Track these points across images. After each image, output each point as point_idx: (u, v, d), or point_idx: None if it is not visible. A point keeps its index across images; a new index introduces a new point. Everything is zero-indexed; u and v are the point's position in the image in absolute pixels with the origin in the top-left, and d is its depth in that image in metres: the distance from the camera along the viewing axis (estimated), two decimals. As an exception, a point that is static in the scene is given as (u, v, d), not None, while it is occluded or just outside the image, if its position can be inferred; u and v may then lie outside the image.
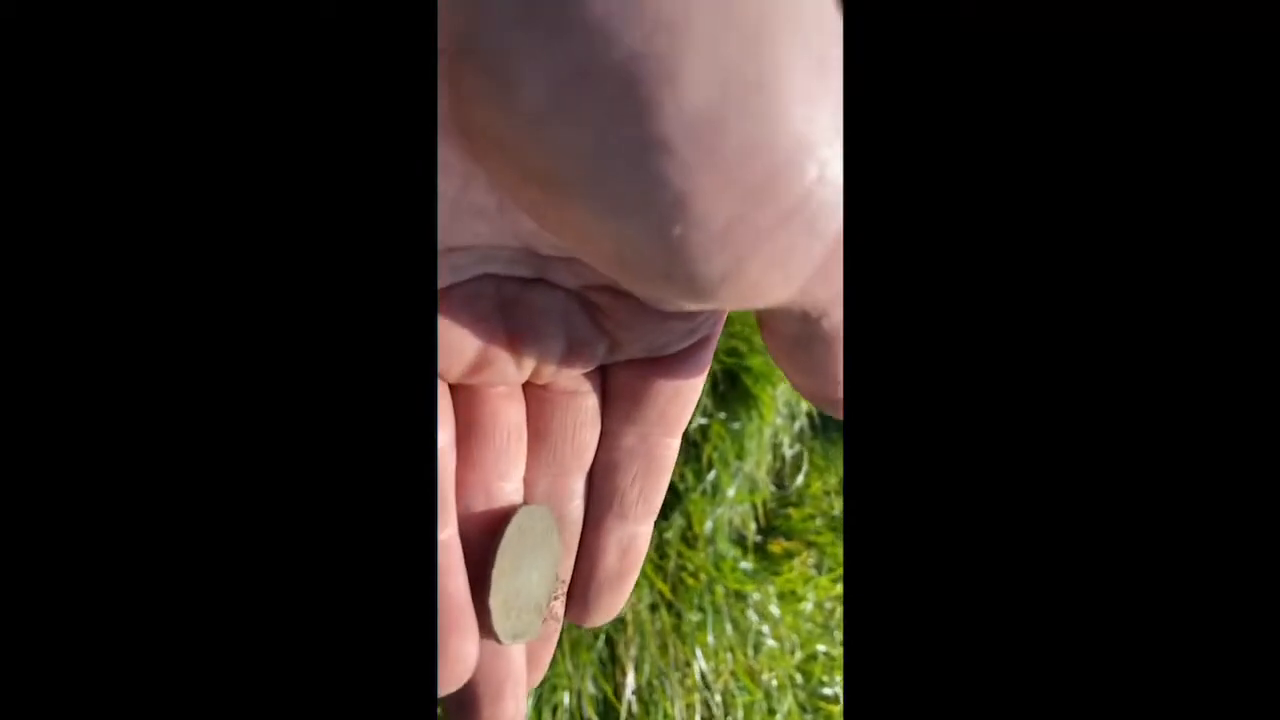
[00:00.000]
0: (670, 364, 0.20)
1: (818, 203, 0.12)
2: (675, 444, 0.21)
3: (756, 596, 1.09)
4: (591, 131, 0.12)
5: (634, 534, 0.21)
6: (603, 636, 0.95)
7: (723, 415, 1.12)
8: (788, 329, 0.16)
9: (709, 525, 1.08)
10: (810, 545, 1.22)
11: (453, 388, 0.19)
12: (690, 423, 1.11)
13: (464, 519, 0.19)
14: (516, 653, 0.20)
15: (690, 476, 1.09)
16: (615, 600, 0.21)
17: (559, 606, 0.21)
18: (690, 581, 1.03)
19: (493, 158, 0.13)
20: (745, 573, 1.10)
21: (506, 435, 0.20)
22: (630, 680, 0.95)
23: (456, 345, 0.18)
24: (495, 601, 0.19)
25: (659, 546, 1.03)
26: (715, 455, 1.11)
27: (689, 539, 1.06)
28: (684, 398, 0.21)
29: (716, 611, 1.04)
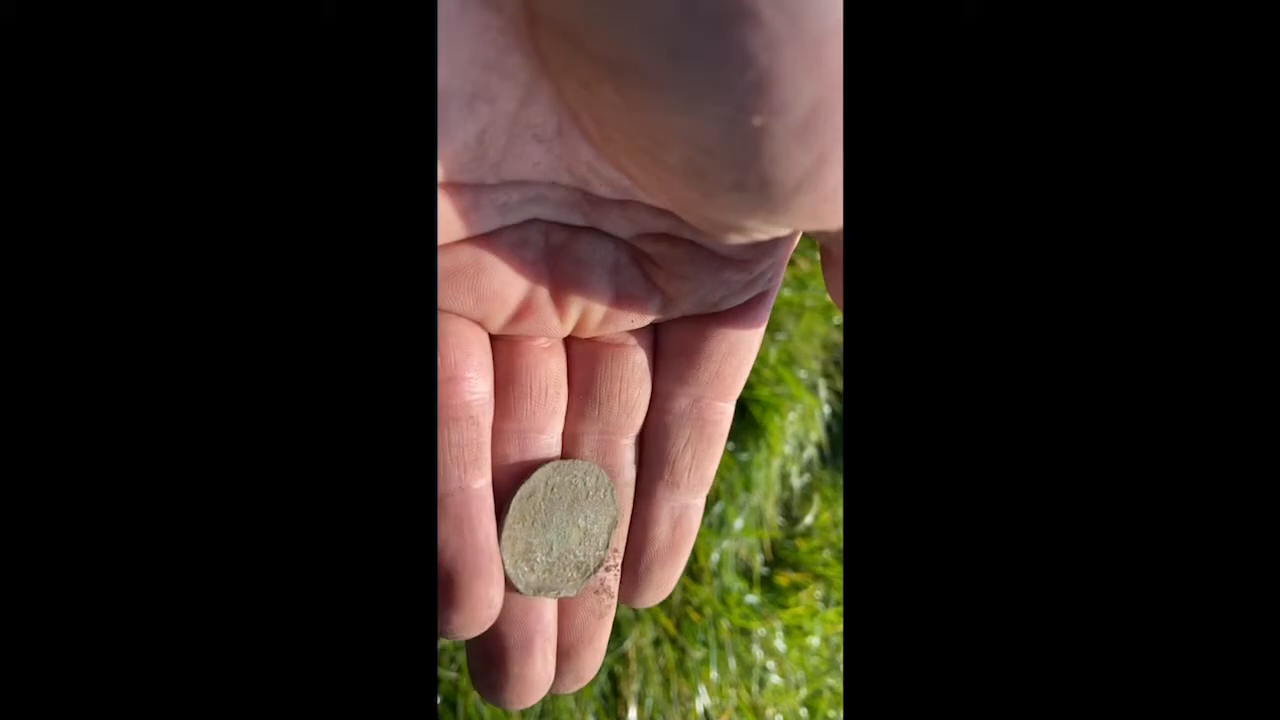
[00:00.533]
0: (725, 320, 0.19)
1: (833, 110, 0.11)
2: (729, 409, 0.20)
3: (762, 632, 1.08)
4: (672, 3, 0.10)
5: (686, 505, 0.20)
6: (605, 671, 0.94)
7: (730, 446, 1.11)
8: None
9: (715, 558, 1.07)
10: (818, 578, 1.20)
11: (494, 339, 0.19)
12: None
13: (498, 469, 0.19)
14: (549, 612, 0.19)
15: (696, 508, 1.08)
16: (667, 577, 0.20)
17: (611, 580, 0.20)
18: (694, 616, 1.01)
19: (563, 50, 0.12)
20: (751, 607, 1.09)
21: (545, 389, 0.19)
22: (632, 716, 0.93)
23: (500, 292, 0.18)
24: (513, 549, 0.19)
25: (663, 580, 1.02)
26: (722, 487, 1.09)
27: (694, 572, 1.05)
28: (739, 357, 0.20)
29: (721, 647, 1.02)
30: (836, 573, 1.20)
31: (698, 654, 1.00)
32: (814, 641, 1.15)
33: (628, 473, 0.20)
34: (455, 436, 0.18)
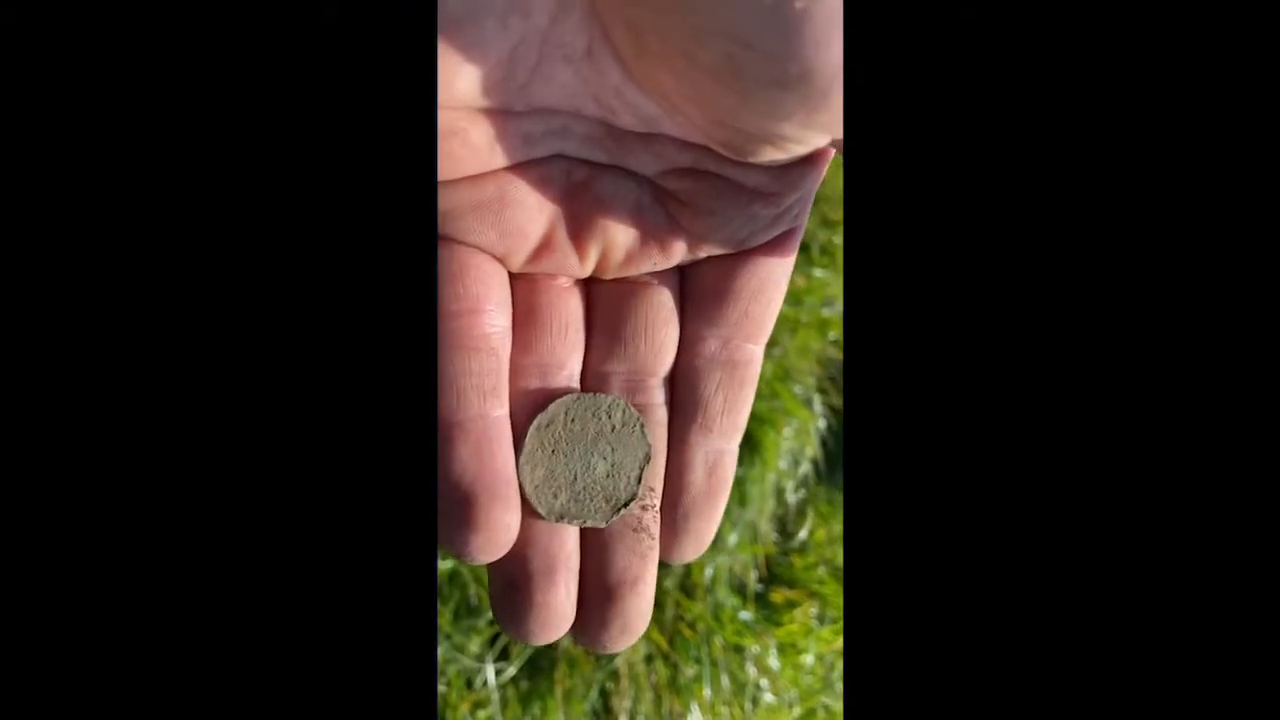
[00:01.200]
0: (753, 258, 0.19)
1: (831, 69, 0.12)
2: (759, 352, 0.20)
3: (756, 649, 1.07)
4: None
5: (720, 450, 0.20)
6: (597, 688, 0.93)
7: (725, 460, 1.11)
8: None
9: (709, 573, 1.06)
10: (813, 595, 1.19)
11: (513, 277, 0.19)
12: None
13: (517, 402, 0.19)
14: (572, 542, 0.19)
15: (690, 523, 1.07)
16: (705, 527, 0.20)
17: (650, 521, 0.20)
18: (687, 633, 1.00)
19: None
20: (745, 623, 1.08)
21: (565, 325, 0.19)
22: (623, 734, 0.92)
23: (522, 228, 0.18)
24: (532, 474, 0.19)
25: (656, 596, 1.01)
26: (716, 501, 1.09)
27: (687, 588, 1.04)
28: (768, 296, 0.20)
29: (714, 664, 1.01)
30: (832, 590, 1.19)
31: (690, 671, 0.99)
32: (808, 659, 1.14)
33: (659, 413, 0.20)
34: (474, 366, 0.18)
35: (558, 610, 0.18)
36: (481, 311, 0.18)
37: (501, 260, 0.19)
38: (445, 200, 0.17)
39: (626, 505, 0.20)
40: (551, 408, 0.19)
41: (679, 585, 1.03)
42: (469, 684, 0.85)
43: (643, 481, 0.20)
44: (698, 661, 1.00)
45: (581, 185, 0.18)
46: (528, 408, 0.19)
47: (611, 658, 0.92)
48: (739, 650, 1.05)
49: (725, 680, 1.02)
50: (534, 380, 0.19)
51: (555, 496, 0.19)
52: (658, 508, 0.20)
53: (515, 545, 0.18)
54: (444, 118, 0.15)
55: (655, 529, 0.20)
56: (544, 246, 0.18)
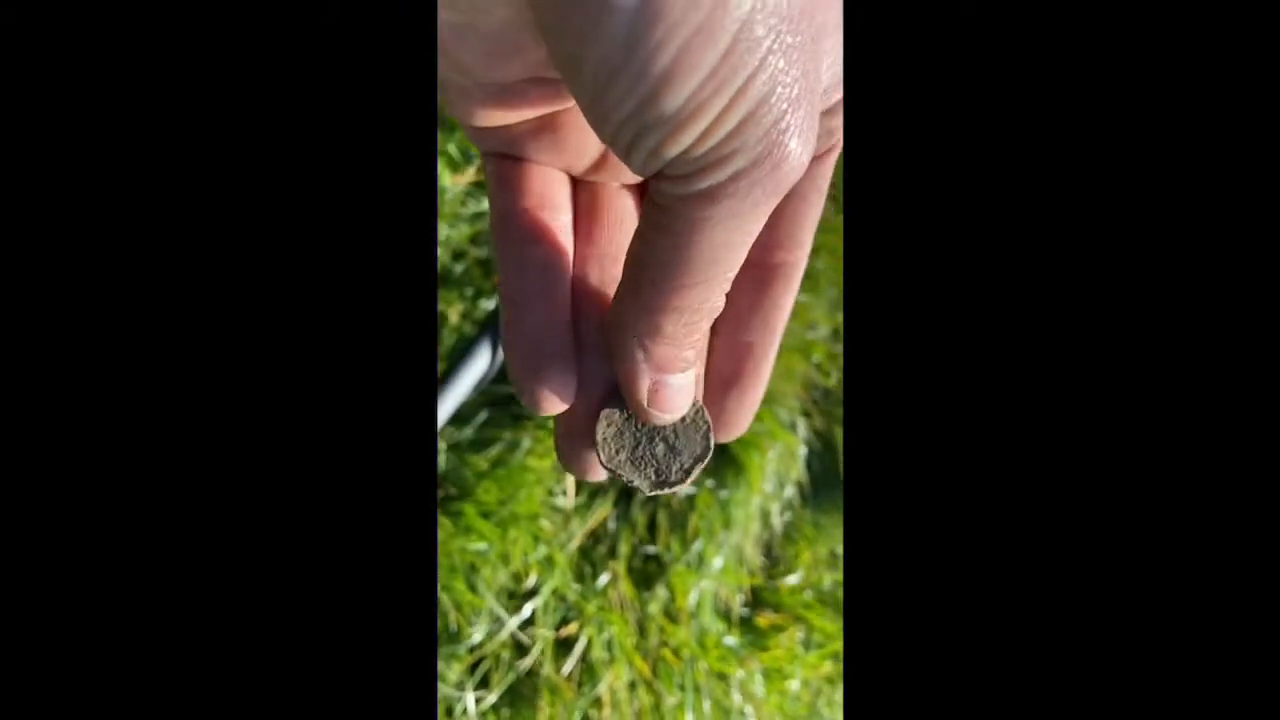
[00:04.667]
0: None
1: (734, 63, 0.14)
2: (789, 258, 0.21)
3: (741, 674, 1.06)
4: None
5: (747, 343, 0.22)
6: (579, 715, 0.92)
7: (710, 483, 1.10)
8: (678, 199, 0.16)
9: (693, 598, 1.06)
10: (799, 620, 1.18)
11: (575, 182, 0.22)
12: (675, 492, 1.09)
13: (579, 285, 0.21)
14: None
15: (675, 547, 1.06)
16: (734, 409, 0.22)
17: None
18: (671, 659, 1.00)
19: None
20: (729, 649, 1.07)
21: (620, 218, 0.22)
22: (606, 762, 0.91)
23: (577, 147, 0.20)
24: (608, 427, 0.21)
25: (639, 622, 1.00)
26: (701, 525, 1.08)
27: (672, 613, 1.04)
28: (793, 207, 0.21)
29: (697, 690, 1.00)
30: (818, 614, 1.19)
31: (674, 699, 0.98)
32: (794, 685, 1.13)
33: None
34: (541, 250, 0.20)
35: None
36: (546, 207, 0.21)
37: (565, 170, 0.21)
38: (507, 126, 0.20)
39: (671, 486, 0.21)
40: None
41: (663, 611, 1.03)
42: (449, 712, 0.84)
43: (692, 475, 0.21)
44: (681, 688, 0.99)
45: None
46: (590, 294, 0.21)
47: (594, 685, 0.91)
48: (723, 677, 1.04)
49: (709, 707, 1.01)
50: (595, 268, 0.22)
51: (617, 452, 0.21)
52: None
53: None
54: (510, 87, 0.18)
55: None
56: (600, 160, 0.21)
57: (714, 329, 0.22)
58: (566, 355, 0.20)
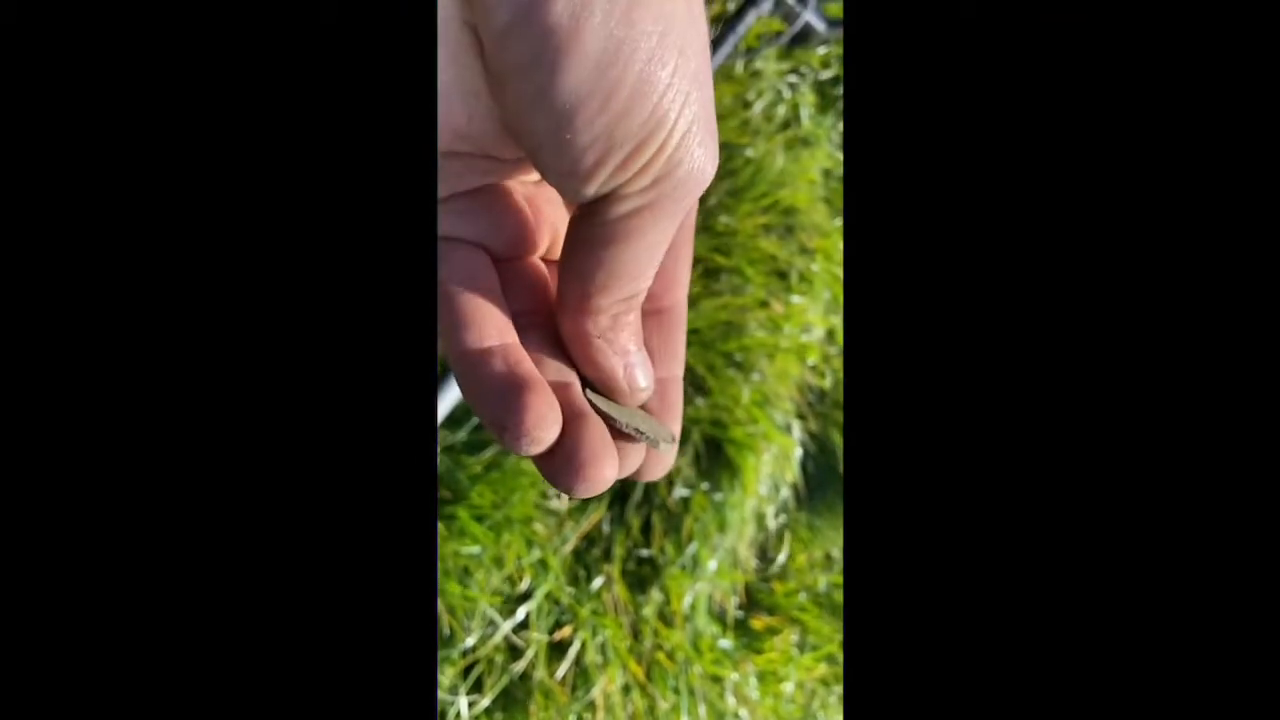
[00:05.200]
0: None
1: (653, 125, 0.18)
2: (679, 296, 0.25)
3: (735, 677, 1.06)
4: (529, 54, 0.17)
5: (665, 379, 0.25)
6: (572, 718, 0.91)
7: (705, 486, 1.10)
8: (598, 220, 0.20)
9: (688, 601, 1.05)
10: (793, 622, 1.18)
11: (496, 262, 0.24)
12: (670, 493, 1.09)
13: (522, 328, 0.23)
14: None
15: (670, 550, 1.06)
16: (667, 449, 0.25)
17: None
18: (665, 662, 0.99)
19: (485, 52, 0.18)
20: (724, 652, 1.07)
21: (531, 285, 0.24)
22: (600, 766, 0.91)
23: (494, 226, 0.23)
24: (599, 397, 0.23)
25: (634, 625, 1.00)
26: (696, 528, 1.08)
27: (666, 616, 1.03)
28: (673, 254, 0.24)
29: (692, 694, 1.00)
30: (812, 615, 1.19)
31: (668, 702, 0.98)
32: (789, 688, 1.13)
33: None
34: (484, 307, 0.22)
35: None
36: (480, 275, 0.22)
37: (484, 248, 0.23)
38: (442, 210, 0.22)
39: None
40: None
41: (658, 614, 1.02)
42: (443, 716, 0.83)
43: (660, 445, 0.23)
44: (675, 692, 0.99)
45: (532, 197, 0.24)
46: (533, 333, 0.23)
47: (588, 689, 0.91)
48: (718, 680, 1.04)
49: (703, 710, 1.01)
50: (524, 321, 0.23)
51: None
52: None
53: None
54: (444, 149, 0.20)
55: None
56: (515, 242, 0.24)
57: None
58: (541, 387, 0.21)
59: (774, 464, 1.17)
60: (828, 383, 1.27)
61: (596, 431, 0.22)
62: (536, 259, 0.25)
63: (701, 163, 0.19)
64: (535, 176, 0.24)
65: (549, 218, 0.25)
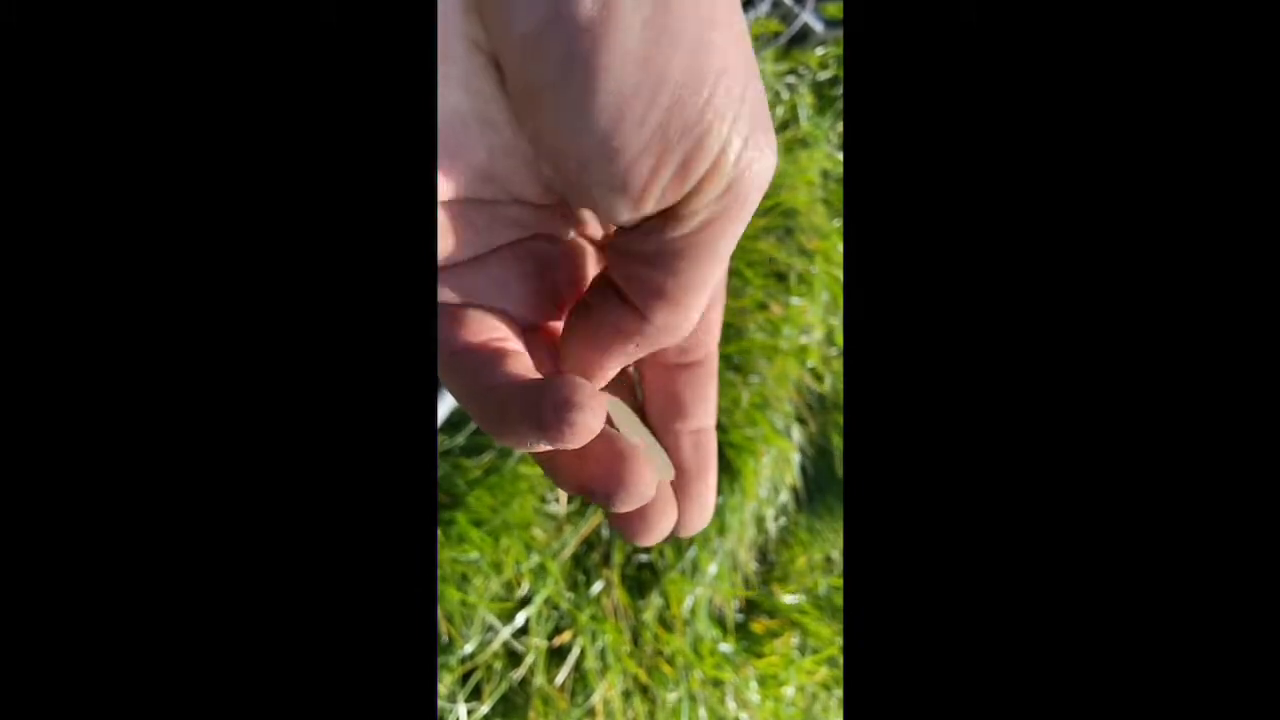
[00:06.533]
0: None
1: (709, 119, 0.16)
2: (711, 343, 0.24)
3: (735, 680, 1.05)
4: (560, 62, 0.15)
5: (699, 429, 0.24)
6: (573, 724, 0.91)
7: (704, 489, 1.10)
8: (654, 241, 0.18)
9: (688, 604, 1.05)
10: (794, 625, 1.18)
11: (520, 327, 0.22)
12: (670, 498, 1.08)
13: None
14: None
15: (669, 554, 1.06)
16: (705, 494, 0.24)
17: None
18: (665, 667, 0.99)
19: (505, 72, 0.16)
20: (725, 656, 1.06)
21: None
22: (601, 772, 0.90)
23: (519, 296, 0.21)
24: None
25: (634, 630, 0.99)
26: (695, 532, 1.08)
27: (666, 621, 1.03)
28: (712, 307, 0.23)
29: (692, 699, 1.00)
30: (814, 618, 1.18)
31: (669, 706, 0.97)
32: (789, 691, 1.13)
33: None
34: (515, 363, 0.20)
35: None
36: (507, 339, 0.20)
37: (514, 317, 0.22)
38: (464, 281, 0.20)
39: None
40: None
41: (658, 619, 1.02)
42: (441, 723, 0.83)
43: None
44: (676, 696, 0.98)
45: (551, 261, 0.21)
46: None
47: (588, 694, 0.90)
48: (718, 684, 1.03)
49: (704, 714, 1.01)
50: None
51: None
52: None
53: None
54: (449, 208, 0.18)
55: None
56: (535, 310, 0.22)
57: (668, 427, 0.24)
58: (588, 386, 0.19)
59: (773, 467, 1.17)
60: (827, 386, 1.27)
61: (643, 459, 0.20)
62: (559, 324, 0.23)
63: (768, 159, 0.17)
64: (569, 229, 0.21)
65: (581, 274, 0.22)
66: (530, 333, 0.22)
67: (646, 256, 0.18)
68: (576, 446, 0.18)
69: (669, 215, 0.17)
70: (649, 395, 0.24)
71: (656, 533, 0.22)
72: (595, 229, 0.22)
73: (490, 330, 0.20)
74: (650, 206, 0.17)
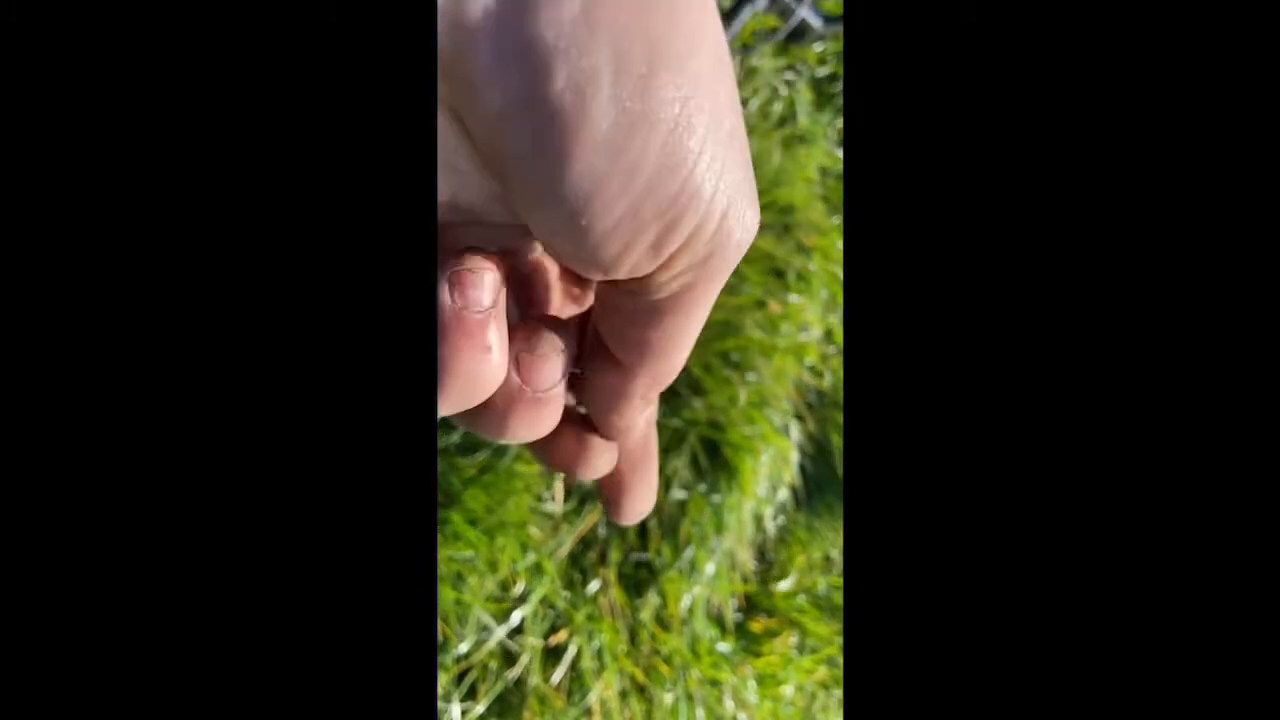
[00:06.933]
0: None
1: (683, 202, 0.15)
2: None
3: (734, 681, 1.05)
4: (529, 142, 0.14)
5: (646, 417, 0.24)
6: (569, 724, 0.90)
7: (702, 488, 1.09)
8: (633, 301, 0.18)
9: (685, 604, 1.04)
10: (793, 624, 1.17)
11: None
12: (667, 496, 1.08)
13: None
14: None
15: (667, 553, 1.05)
16: (648, 487, 0.24)
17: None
18: (663, 667, 0.99)
19: (470, 132, 0.16)
20: (722, 655, 1.06)
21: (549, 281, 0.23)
22: (597, 772, 0.90)
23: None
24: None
25: (631, 630, 0.99)
26: (693, 531, 1.07)
27: (664, 620, 1.02)
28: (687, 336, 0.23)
29: (690, 699, 0.99)
30: (812, 617, 1.18)
31: (666, 706, 0.97)
32: (788, 691, 1.12)
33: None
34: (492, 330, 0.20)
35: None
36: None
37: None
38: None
39: None
40: None
41: (655, 618, 1.02)
42: (436, 724, 0.82)
43: None
44: (674, 696, 0.98)
45: (525, 276, 0.22)
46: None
47: (584, 694, 0.90)
48: (716, 684, 1.03)
49: (702, 714, 1.00)
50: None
51: None
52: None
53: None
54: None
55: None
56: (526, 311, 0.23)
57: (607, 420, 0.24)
58: (481, 339, 0.19)
59: (772, 465, 1.16)
60: (826, 383, 1.26)
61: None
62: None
63: (747, 226, 0.17)
64: (536, 245, 0.22)
65: (564, 285, 0.23)
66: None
67: (627, 314, 0.19)
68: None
69: (646, 281, 0.17)
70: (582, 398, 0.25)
71: (634, 513, 0.23)
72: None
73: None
74: (623, 275, 0.17)
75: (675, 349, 0.19)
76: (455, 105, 0.15)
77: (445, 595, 0.82)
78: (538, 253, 0.22)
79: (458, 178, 0.17)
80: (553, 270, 0.23)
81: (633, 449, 0.24)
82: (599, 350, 0.21)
